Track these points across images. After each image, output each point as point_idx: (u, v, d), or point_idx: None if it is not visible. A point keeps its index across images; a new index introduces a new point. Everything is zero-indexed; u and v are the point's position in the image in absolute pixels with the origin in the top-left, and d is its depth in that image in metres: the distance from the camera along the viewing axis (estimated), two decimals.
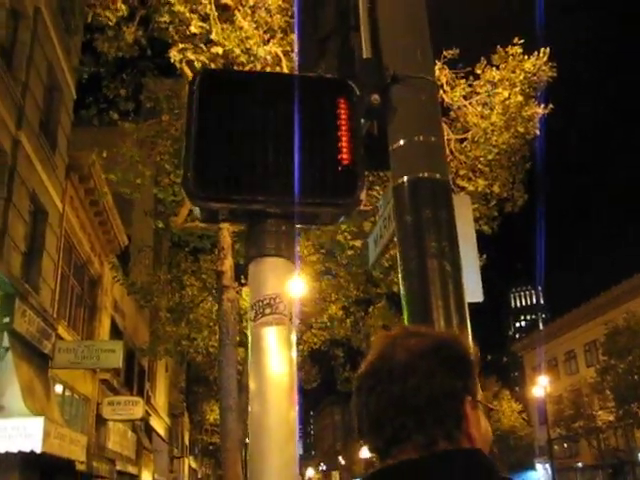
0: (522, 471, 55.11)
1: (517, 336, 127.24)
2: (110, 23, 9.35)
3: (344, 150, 1.90)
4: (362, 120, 2.97)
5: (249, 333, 1.74)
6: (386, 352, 1.24)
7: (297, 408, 1.72)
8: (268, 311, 1.71)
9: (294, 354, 1.74)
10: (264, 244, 1.81)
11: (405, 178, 2.92)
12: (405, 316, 2.78)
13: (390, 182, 3.12)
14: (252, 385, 1.69)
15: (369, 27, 3.21)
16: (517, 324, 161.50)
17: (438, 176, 2.93)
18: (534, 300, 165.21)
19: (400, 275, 2.85)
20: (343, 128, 1.92)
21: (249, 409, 1.71)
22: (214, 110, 1.86)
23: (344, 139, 1.91)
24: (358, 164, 1.92)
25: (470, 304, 4.65)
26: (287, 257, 1.82)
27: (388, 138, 3.02)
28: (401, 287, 2.85)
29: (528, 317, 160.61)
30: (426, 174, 2.91)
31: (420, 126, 2.99)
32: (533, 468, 56.49)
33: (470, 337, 2.79)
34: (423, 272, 2.76)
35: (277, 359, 1.68)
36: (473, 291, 5.45)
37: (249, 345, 1.74)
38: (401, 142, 2.96)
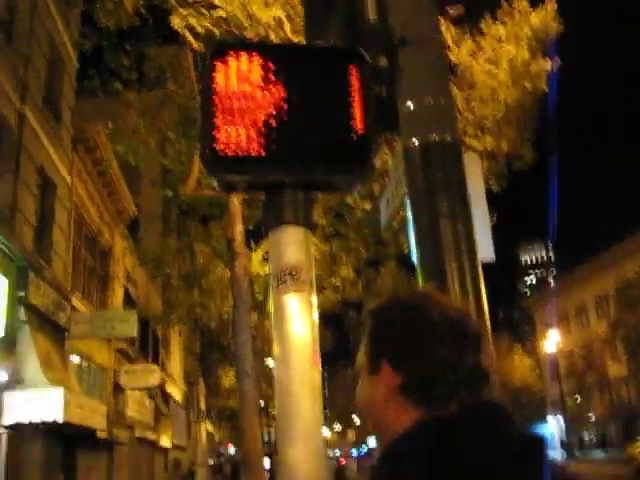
0: (535, 425, 55.67)
1: (528, 292, 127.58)
2: None
3: (357, 118, 1.91)
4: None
5: (270, 301, 1.78)
6: (452, 312, 1.27)
7: (320, 371, 1.77)
8: (289, 279, 1.75)
9: (316, 320, 1.78)
10: (282, 213, 1.83)
11: (415, 140, 2.92)
12: (419, 277, 2.81)
13: (400, 145, 3.12)
14: (276, 351, 1.73)
15: None
16: (528, 280, 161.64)
17: (448, 138, 2.93)
18: (544, 255, 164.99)
19: (413, 237, 2.88)
20: (355, 96, 1.94)
21: (274, 374, 1.76)
22: (227, 83, 1.87)
23: (356, 107, 1.92)
24: (370, 131, 1.93)
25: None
26: (305, 225, 1.84)
27: (397, 101, 3.02)
28: (414, 249, 2.87)
29: (539, 273, 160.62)
30: (436, 136, 2.91)
31: (429, 87, 2.98)
32: (545, 421, 57.08)
33: (484, 296, 2.82)
34: (435, 233, 2.79)
35: (299, 326, 1.72)
36: (485, 251, 5.47)
37: (272, 313, 1.78)
38: (410, 104, 2.95)
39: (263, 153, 1.82)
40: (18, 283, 12.53)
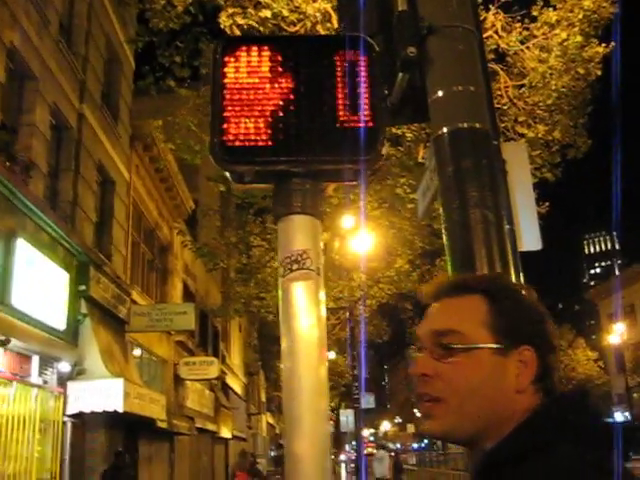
0: None
1: (592, 283, 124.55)
2: None
3: (364, 107, 1.93)
4: (400, 73, 2.98)
5: (279, 289, 1.82)
6: None
7: (327, 365, 1.79)
8: (295, 267, 1.78)
9: (323, 308, 1.80)
10: (290, 202, 1.87)
11: (445, 129, 2.92)
12: (448, 266, 2.81)
13: (431, 134, 3.13)
14: (283, 340, 1.76)
15: None
16: (592, 271, 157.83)
17: (478, 125, 2.92)
18: (609, 245, 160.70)
19: (443, 226, 2.88)
20: (363, 85, 1.95)
21: (282, 366, 1.79)
22: (236, 77, 1.92)
23: (365, 96, 1.94)
24: (378, 120, 1.95)
25: (539, 251, 4.59)
26: (313, 214, 1.87)
27: (427, 89, 3.02)
28: (444, 237, 2.88)
29: (603, 263, 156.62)
30: (465, 124, 2.90)
31: (458, 76, 2.97)
32: (611, 417, 55.59)
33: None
34: (465, 222, 2.78)
35: (306, 313, 1.74)
36: (531, 239, 5.37)
37: (279, 301, 1.82)
38: (440, 93, 2.95)
39: (270, 143, 1.85)
40: (79, 277, 12.95)
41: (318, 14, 8.97)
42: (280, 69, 1.92)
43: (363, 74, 1.96)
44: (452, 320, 1.22)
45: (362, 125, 1.90)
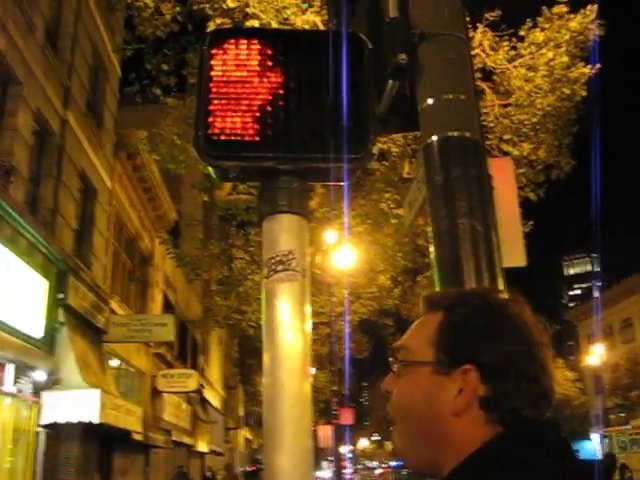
0: (577, 441, 54.38)
1: (571, 304, 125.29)
2: (148, 6, 9.36)
3: (355, 106, 1.88)
4: (391, 81, 2.93)
5: (262, 291, 1.74)
6: (533, 321, 1.19)
7: (310, 380, 1.71)
8: (280, 268, 1.70)
9: (309, 311, 1.73)
10: (276, 201, 1.80)
11: (434, 137, 2.87)
12: (435, 277, 2.75)
13: (421, 142, 3.08)
14: (265, 350, 1.68)
15: None
16: (571, 292, 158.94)
17: (468, 134, 2.87)
18: (589, 267, 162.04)
19: (430, 236, 2.83)
20: (354, 83, 1.90)
21: (263, 380, 1.71)
22: (224, 69, 1.86)
23: (355, 94, 1.89)
24: (369, 119, 1.89)
25: (520, 270, 4.54)
26: (300, 213, 1.81)
27: (417, 98, 2.98)
28: (431, 248, 2.82)
29: (583, 285, 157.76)
30: (455, 133, 2.86)
31: (449, 84, 2.93)
32: (588, 438, 55.70)
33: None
34: (453, 232, 2.73)
35: (290, 318, 1.67)
36: (515, 255, 5.34)
37: (262, 303, 1.74)
38: (430, 101, 2.91)
39: (257, 139, 1.79)
40: (57, 285, 12.76)
41: (307, 26, 8.95)
42: (269, 63, 1.87)
43: (355, 71, 1.91)
44: (407, 336, 1.18)
45: (352, 124, 1.85)
